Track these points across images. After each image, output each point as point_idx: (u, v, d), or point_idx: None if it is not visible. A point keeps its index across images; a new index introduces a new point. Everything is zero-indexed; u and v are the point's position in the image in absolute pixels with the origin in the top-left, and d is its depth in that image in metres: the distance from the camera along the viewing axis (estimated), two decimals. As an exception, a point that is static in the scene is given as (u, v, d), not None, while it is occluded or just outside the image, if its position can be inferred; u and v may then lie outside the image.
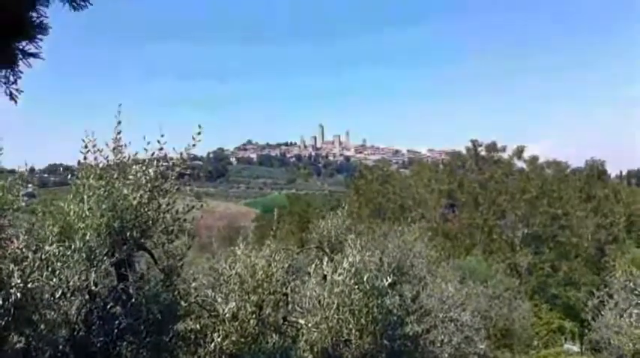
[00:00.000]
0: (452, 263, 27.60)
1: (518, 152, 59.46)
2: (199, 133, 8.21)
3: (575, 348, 42.97)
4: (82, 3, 3.84)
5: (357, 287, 8.98)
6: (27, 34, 3.80)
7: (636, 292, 16.27)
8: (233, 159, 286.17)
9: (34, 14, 3.78)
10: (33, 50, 3.87)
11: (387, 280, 9.57)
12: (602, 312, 17.54)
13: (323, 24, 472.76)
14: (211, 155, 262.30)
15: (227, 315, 8.19)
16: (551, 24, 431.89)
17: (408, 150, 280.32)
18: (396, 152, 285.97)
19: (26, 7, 3.73)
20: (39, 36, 3.84)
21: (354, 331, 8.59)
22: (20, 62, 3.87)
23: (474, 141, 60.13)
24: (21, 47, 3.83)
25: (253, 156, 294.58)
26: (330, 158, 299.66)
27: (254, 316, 8.51)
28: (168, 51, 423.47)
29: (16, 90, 3.90)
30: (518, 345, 31.23)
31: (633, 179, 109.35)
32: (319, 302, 8.79)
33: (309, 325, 8.57)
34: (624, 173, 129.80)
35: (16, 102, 3.91)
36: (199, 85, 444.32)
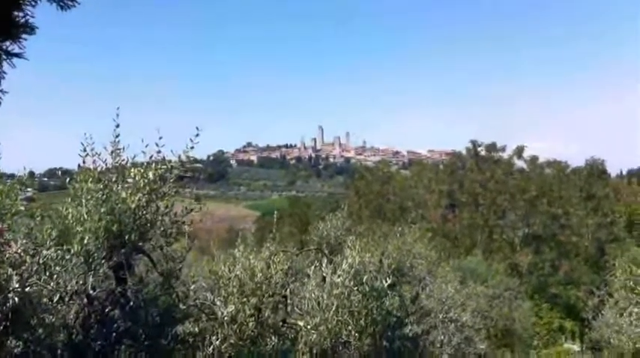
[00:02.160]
0: (452, 263, 27.59)
1: (518, 152, 59.53)
2: (197, 135, 8.19)
3: (576, 347, 42.94)
4: (70, 2, 3.79)
5: (356, 288, 8.97)
6: (10, 34, 3.73)
7: (636, 291, 16.22)
8: (233, 162, 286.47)
9: (20, 14, 3.72)
10: (17, 50, 3.81)
11: (386, 281, 9.57)
12: (603, 311, 17.53)
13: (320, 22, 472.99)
14: (211, 157, 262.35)
15: (226, 318, 8.18)
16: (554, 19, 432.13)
17: (408, 151, 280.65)
18: (396, 153, 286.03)
19: (10, 7, 3.67)
20: (23, 35, 3.78)
21: (353, 332, 8.58)
22: (4, 63, 3.81)
23: (473, 142, 60.19)
24: (4, 47, 3.77)
25: (253, 158, 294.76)
26: (330, 159, 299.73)
27: (253, 318, 8.50)
28: (171, 54, 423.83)
29: (0, 91, 3.84)
30: (519, 345, 31.23)
31: (634, 178, 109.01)
32: (318, 303, 8.77)
33: (308, 327, 8.54)
34: (624, 172, 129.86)
35: None
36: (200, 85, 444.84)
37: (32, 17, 3.77)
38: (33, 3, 3.71)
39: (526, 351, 33.06)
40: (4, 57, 3.78)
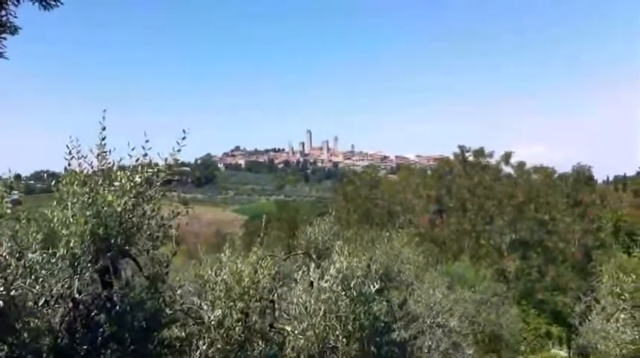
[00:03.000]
0: (440, 268, 27.60)
1: (506, 157, 59.76)
2: (184, 138, 8.14)
3: (563, 353, 43.19)
4: (53, 2, 3.71)
5: (344, 293, 8.95)
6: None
7: (623, 297, 16.33)
8: (221, 166, 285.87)
9: (0, 12, 3.63)
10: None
11: (374, 286, 9.56)
12: (590, 317, 17.59)
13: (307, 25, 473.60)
14: (199, 161, 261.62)
15: (213, 323, 8.12)
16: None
17: (396, 156, 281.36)
18: (384, 158, 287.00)
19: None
20: (3, 35, 3.69)
21: (340, 338, 8.55)
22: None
23: (461, 147, 60.32)
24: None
25: (241, 162, 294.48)
26: (319, 164, 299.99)
27: (240, 323, 8.44)
28: (158, 56, 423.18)
29: None
30: (506, 351, 31.28)
31: (620, 184, 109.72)
32: (306, 308, 8.74)
33: (296, 332, 8.52)
34: (611, 178, 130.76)
35: None
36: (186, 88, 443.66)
37: (15, 17, 3.69)
38: (15, 2, 3.63)
39: (513, 357, 33.15)
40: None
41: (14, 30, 3.68)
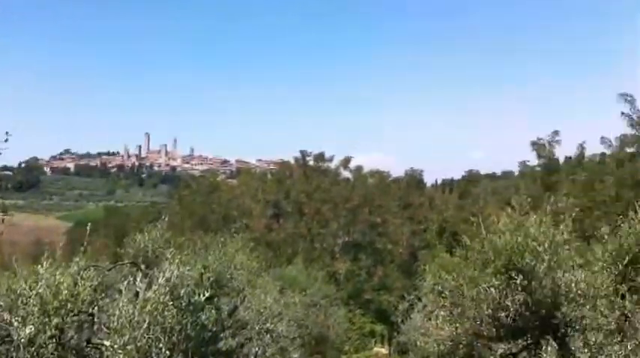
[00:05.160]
0: (273, 273, 27.70)
1: (345, 162, 61.70)
2: (6, 140, 7.52)
3: (384, 350, 45.22)
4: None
5: (171, 303, 8.72)
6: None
7: (444, 295, 17.31)
8: (47, 169, 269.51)
9: None
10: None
11: (204, 295, 9.42)
12: (412, 315, 18.46)
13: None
14: (23, 164, 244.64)
15: (23, 341, 7.57)
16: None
17: (237, 160, 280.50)
18: (225, 162, 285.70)
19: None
20: None
21: (164, 350, 8.30)
22: None
23: (302, 151, 61.38)
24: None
25: (70, 166, 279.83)
26: (155, 168, 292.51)
27: (54, 340, 7.93)
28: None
29: None
30: (331, 351, 31.88)
31: (447, 187, 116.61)
32: (129, 321, 8.41)
33: (115, 346, 8.15)
34: (439, 182, 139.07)
35: None
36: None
37: None
38: None
39: (337, 356, 33.96)
40: None
41: None
